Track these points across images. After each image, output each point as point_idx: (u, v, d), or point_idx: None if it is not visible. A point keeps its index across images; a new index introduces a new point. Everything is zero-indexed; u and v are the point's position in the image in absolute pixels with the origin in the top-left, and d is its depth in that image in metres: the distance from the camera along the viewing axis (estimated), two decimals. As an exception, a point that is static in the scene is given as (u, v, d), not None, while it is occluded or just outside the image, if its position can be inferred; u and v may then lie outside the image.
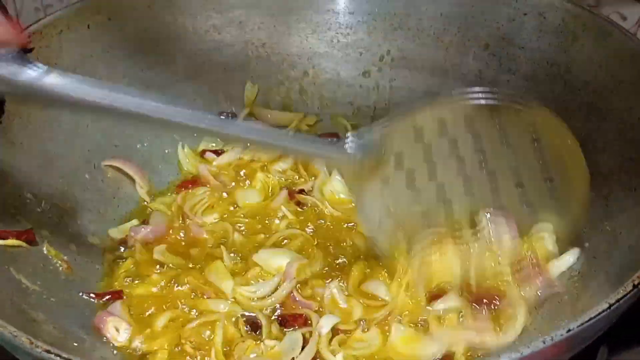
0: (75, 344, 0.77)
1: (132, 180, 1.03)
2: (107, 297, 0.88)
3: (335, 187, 1.01)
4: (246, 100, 1.12)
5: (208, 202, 1.01)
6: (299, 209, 1.00)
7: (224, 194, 1.03)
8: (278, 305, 0.87)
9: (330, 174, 1.02)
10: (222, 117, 0.91)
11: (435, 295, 0.85)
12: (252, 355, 0.82)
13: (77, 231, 0.94)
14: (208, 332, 0.84)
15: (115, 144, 1.03)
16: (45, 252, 0.87)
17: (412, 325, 0.84)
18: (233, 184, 1.04)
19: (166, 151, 1.08)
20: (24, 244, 0.85)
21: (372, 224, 0.90)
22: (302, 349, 0.81)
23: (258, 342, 0.83)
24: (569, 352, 0.67)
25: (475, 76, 1.05)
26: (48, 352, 0.63)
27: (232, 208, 1.01)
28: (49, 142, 0.95)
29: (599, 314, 0.62)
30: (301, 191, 1.02)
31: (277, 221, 0.98)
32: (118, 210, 1.01)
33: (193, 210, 0.99)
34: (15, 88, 0.69)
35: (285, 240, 0.95)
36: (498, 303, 0.82)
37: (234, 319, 0.86)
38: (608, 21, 0.93)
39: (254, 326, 0.85)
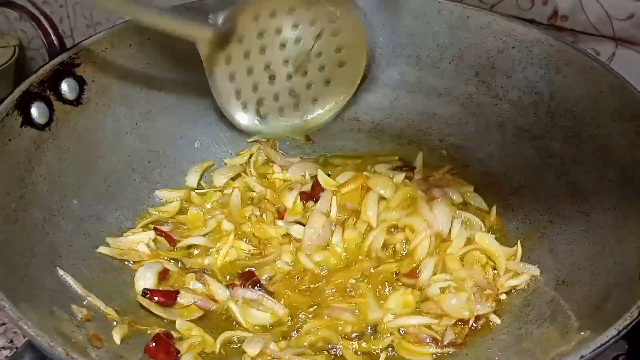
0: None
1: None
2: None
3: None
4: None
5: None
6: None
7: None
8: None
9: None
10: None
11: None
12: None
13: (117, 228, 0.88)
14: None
15: (151, 149, 0.96)
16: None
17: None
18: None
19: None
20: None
21: (224, 97, 0.96)
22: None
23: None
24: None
25: (466, 99, 1.00)
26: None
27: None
28: (93, 148, 0.89)
29: (608, 340, 0.55)
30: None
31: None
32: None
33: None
34: None
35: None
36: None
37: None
38: (588, 55, 0.89)
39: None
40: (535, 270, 0.80)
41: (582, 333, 0.65)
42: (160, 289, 0.82)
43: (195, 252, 0.88)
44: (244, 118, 0.99)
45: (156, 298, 0.80)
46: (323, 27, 0.95)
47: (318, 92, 1.01)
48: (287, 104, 1.00)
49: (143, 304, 0.79)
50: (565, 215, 0.83)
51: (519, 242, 0.84)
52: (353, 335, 0.77)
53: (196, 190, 0.96)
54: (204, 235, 0.89)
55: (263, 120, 1.00)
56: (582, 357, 0.56)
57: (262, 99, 0.99)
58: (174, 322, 0.77)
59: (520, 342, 0.73)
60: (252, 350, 0.73)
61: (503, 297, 0.80)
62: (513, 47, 0.94)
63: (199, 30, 0.88)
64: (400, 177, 0.92)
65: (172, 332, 0.75)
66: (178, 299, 0.80)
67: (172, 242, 0.88)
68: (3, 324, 0.93)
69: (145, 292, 0.80)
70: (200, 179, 0.98)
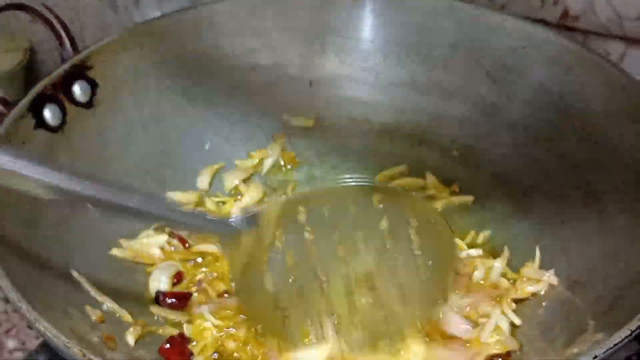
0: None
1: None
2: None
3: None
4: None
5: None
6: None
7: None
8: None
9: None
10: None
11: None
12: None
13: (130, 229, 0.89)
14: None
15: (163, 150, 0.97)
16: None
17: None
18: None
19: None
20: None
21: (252, 303, 0.78)
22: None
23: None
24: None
25: (477, 99, 1.00)
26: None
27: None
28: (105, 150, 0.90)
29: (622, 340, 0.55)
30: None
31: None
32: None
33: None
34: None
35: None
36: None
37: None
38: (599, 55, 0.88)
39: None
40: (553, 279, 0.80)
41: (595, 334, 0.65)
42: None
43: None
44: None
45: (169, 300, 0.80)
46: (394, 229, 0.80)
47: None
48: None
49: (154, 311, 0.80)
50: (578, 216, 0.83)
51: (537, 248, 0.84)
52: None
53: (212, 198, 0.97)
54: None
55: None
56: (595, 357, 0.56)
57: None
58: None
59: (533, 342, 0.73)
60: None
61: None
62: (524, 47, 0.94)
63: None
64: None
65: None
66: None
67: (186, 245, 0.89)
68: (15, 325, 0.93)
69: (159, 295, 0.81)
70: (211, 181, 0.99)
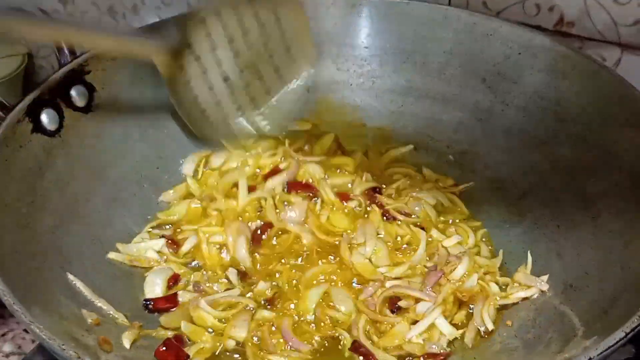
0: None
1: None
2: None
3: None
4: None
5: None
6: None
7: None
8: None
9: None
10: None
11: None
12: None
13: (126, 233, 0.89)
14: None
15: (160, 155, 0.98)
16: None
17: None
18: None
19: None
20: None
21: (190, 115, 0.93)
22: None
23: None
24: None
25: (473, 105, 1.01)
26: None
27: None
28: (102, 154, 0.90)
29: (616, 342, 0.55)
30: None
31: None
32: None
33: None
34: None
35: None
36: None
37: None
38: (595, 61, 0.89)
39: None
40: (544, 286, 0.80)
41: (590, 337, 0.65)
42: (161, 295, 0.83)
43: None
44: (209, 128, 0.96)
45: (159, 306, 0.81)
46: (266, 16, 0.92)
47: (270, 83, 0.97)
48: (244, 101, 0.96)
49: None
50: (573, 220, 0.83)
51: (529, 252, 0.85)
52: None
53: (191, 177, 0.98)
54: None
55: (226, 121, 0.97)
56: (590, 359, 0.56)
57: (219, 101, 0.94)
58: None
59: (528, 346, 0.73)
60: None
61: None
62: (519, 54, 0.95)
63: (155, 49, 0.86)
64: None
65: (183, 336, 0.76)
66: (179, 298, 0.81)
67: (178, 246, 0.89)
68: (11, 330, 0.93)
69: (147, 303, 0.81)
70: (197, 168, 0.99)
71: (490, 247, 0.90)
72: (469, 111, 1.00)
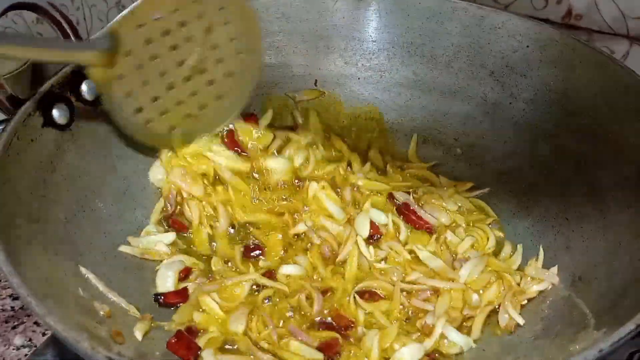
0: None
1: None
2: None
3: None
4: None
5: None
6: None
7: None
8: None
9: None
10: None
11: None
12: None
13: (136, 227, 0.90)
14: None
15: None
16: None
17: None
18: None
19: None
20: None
21: (128, 123, 0.85)
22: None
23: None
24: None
25: (481, 98, 1.01)
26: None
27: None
28: (112, 148, 0.90)
29: (627, 334, 0.56)
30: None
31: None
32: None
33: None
34: None
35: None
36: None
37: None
38: (603, 54, 0.89)
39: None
40: (554, 278, 0.81)
41: (599, 329, 0.66)
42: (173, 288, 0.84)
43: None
44: (150, 136, 0.88)
45: (170, 300, 0.82)
46: (212, 18, 0.84)
47: (221, 88, 0.89)
48: (192, 107, 0.88)
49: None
50: (582, 212, 0.84)
51: (540, 246, 0.85)
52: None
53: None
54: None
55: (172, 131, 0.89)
56: (601, 350, 0.56)
57: (166, 110, 0.86)
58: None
59: (538, 338, 0.74)
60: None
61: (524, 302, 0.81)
62: (527, 46, 0.94)
63: (81, 54, 0.77)
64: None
65: (194, 327, 0.77)
66: (190, 292, 0.82)
67: (185, 230, 0.91)
68: (22, 322, 0.94)
69: (157, 297, 0.82)
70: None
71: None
72: (477, 104, 1.00)
